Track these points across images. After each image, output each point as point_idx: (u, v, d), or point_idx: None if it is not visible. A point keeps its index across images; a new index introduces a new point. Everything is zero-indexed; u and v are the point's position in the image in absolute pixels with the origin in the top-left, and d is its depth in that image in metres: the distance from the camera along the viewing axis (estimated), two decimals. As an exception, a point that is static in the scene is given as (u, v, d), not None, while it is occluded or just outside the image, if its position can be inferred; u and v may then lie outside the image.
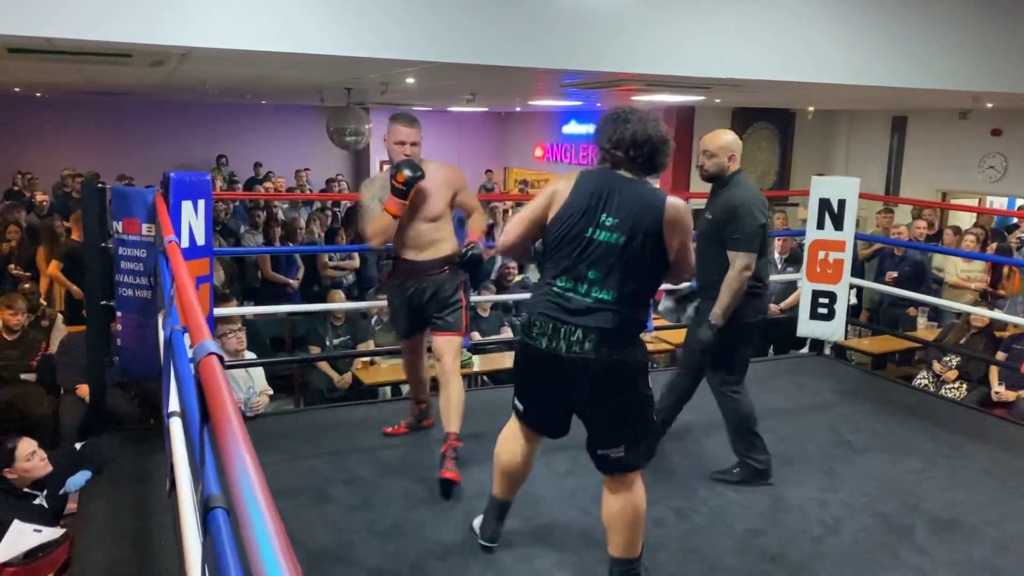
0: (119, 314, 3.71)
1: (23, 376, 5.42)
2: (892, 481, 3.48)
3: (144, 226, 3.57)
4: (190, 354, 1.26)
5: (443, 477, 3.19)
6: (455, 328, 3.39)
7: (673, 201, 2.39)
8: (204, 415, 1.12)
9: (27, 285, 6.29)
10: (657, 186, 2.50)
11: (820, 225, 4.92)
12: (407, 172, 3.17)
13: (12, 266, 7.23)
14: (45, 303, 6.54)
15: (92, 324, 3.75)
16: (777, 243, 6.95)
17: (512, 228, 2.56)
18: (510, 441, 2.72)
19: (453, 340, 3.38)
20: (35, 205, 9.21)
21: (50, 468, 3.42)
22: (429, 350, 3.59)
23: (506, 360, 6.32)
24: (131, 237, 3.61)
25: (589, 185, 2.43)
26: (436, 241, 3.38)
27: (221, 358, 1.14)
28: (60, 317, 6.10)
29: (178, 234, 3.31)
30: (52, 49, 3.59)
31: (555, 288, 2.41)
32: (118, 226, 3.65)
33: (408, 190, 3.19)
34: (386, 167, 3.46)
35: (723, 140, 3.37)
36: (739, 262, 3.17)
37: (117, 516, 3.10)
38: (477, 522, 2.91)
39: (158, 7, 3.42)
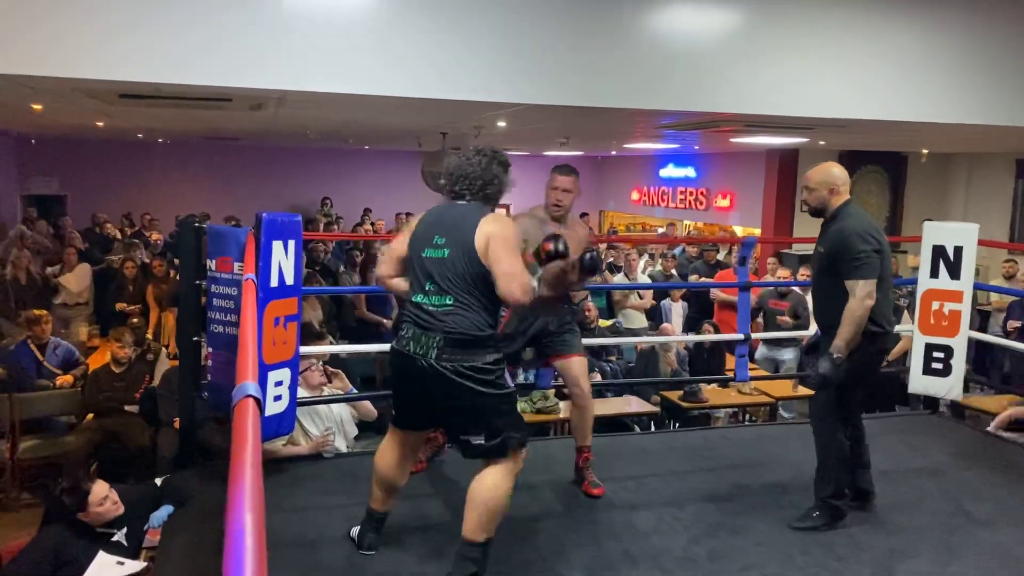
0: (209, 350, 3.79)
1: (127, 408, 5.64)
2: (1019, 559, 3.11)
3: (236, 264, 3.63)
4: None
5: (591, 494, 3.58)
6: (581, 348, 3.62)
7: (489, 217, 2.72)
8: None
9: (135, 320, 6.58)
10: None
11: (934, 274, 4.58)
12: (557, 246, 2.99)
13: (124, 305, 7.61)
14: (151, 337, 6.84)
15: (184, 359, 3.84)
16: (886, 291, 6.55)
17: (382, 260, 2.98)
18: (386, 452, 2.95)
19: (584, 360, 3.62)
20: (150, 244, 9.72)
21: (122, 510, 3.45)
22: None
23: (597, 407, 6.10)
24: (223, 275, 3.68)
25: (428, 216, 2.81)
26: None
27: (258, 401, 1.07)
28: (164, 351, 6.35)
29: (267, 273, 3.35)
30: (158, 94, 3.77)
31: (411, 302, 2.75)
32: (212, 264, 3.74)
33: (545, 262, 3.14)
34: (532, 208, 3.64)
35: (821, 174, 3.36)
36: (859, 290, 3.10)
37: (197, 551, 3.10)
38: (355, 531, 3.09)
39: (255, 53, 3.54)
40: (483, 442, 2.70)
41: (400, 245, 2.86)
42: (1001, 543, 3.25)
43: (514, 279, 2.64)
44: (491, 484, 2.70)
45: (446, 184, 2.83)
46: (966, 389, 5.08)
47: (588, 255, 3.40)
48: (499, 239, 2.66)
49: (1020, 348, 5.57)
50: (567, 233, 3.35)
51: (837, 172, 3.37)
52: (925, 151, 10.34)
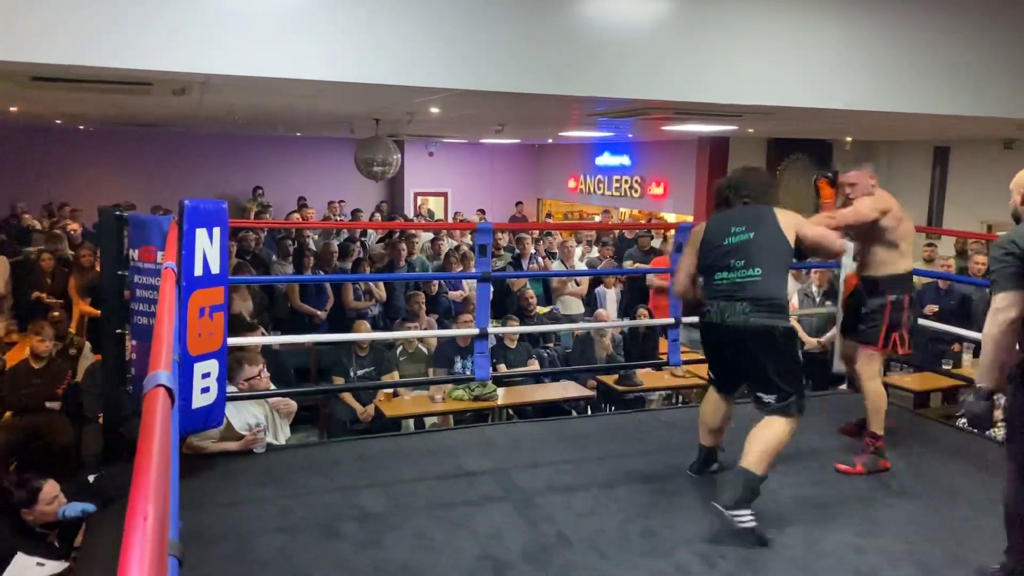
0: (133, 342, 3.68)
1: (48, 404, 5.43)
2: (935, 528, 3.26)
3: (159, 254, 3.53)
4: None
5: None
6: (873, 340, 3.90)
7: (778, 209, 3.31)
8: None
9: (56, 313, 6.33)
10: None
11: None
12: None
13: (43, 295, 7.31)
14: (74, 331, 6.59)
15: (107, 352, 3.72)
16: (814, 275, 6.75)
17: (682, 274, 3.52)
18: (709, 403, 3.59)
19: (865, 351, 3.94)
20: (71, 236, 9.31)
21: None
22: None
23: (535, 393, 6.17)
24: (146, 265, 3.57)
25: (716, 220, 3.37)
26: (867, 264, 3.98)
27: (170, 391, 1.04)
28: (88, 345, 6.12)
29: (191, 262, 3.26)
30: (72, 77, 3.61)
31: (714, 281, 3.25)
32: (134, 254, 3.62)
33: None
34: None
35: (1020, 175, 2.82)
36: (993, 304, 2.58)
37: (119, 549, 3.01)
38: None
39: (175, 34, 3.42)
40: (773, 402, 3.14)
41: (691, 259, 3.43)
42: (917, 513, 3.39)
43: (830, 237, 3.35)
44: (775, 430, 3.11)
45: (734, 192, 3.41)
46: (887, 368, 5.27)
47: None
48: (802, 221, 3.32)
49: (938, 329, 5.80)
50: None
51: None
52: (849, 139, 10.67)
